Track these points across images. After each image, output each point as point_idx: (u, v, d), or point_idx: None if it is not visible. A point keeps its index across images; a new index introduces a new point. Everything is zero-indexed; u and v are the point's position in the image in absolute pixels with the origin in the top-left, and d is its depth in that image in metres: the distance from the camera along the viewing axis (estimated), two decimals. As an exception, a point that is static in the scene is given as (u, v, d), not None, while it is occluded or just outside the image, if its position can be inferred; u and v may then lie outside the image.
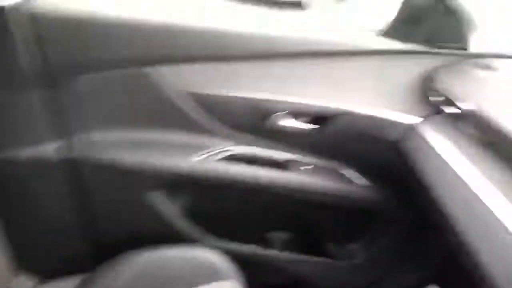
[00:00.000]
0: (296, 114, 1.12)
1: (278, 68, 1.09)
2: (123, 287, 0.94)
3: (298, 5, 1.28)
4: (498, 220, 0.76)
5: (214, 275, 0.98)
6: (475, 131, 0.95)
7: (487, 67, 1.07)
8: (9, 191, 1.07)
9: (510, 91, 0.98)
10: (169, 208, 1.14)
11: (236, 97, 1.09)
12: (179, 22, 1.02)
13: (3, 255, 1.05)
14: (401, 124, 1.11)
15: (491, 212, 0.78)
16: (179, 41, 1.03)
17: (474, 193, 0.84)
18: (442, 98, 1.06)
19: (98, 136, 1.07)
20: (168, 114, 1.09)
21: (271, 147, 1.17)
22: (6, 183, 1.06)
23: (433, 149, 1.02)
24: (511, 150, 0.84)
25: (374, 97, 1.12)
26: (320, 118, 1.13)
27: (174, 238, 1.08)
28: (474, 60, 1.12)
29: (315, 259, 1.30)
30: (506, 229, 0.73)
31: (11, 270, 1.08)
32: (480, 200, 0.82)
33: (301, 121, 1.13)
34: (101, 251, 1.05)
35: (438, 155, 1.00)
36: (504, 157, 0.86)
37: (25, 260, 1.12)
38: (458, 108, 0.99)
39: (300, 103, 1.10)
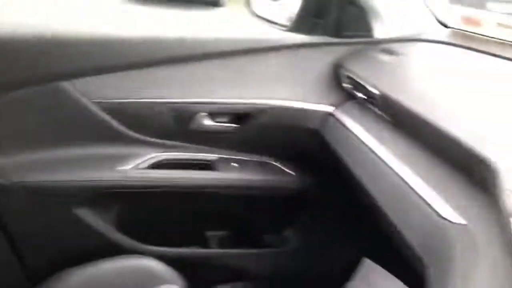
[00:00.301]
0: (218, 114, 1.14)
1: (195, 70, 1.10)
2: None
3: (214, 3, 1.30)
4: (407, 186, 0.84)
5: (154, 281, 0.98)
6: (383, 112, 1.02)
7: (391, 52, 1.15)
8: None
9: (412, 73, 1.06)
10: (101, 222, 1.11)
11: (156, 103, 1.08)
12: (89, 34, 1.00)
13: None
14: (318, 112, 1.17)
15: (401, 181, 0.86)
16: (91, 53, 1.00)
17: (385, 167, 0.91)
18: (353, 85, 1.13)
19: (17, 158, 1.02)
20: (88, 127, 1.06)
21: (198, 150, 1.19)
22: None
23: (348, 132, 1.09)
24: (414, 127, 0.91)
25: (291, 89, 1.16)
26: (241, 115, 1.15)
27: (111, 251, 1.06)
28: (378, 46, 1.19)
29: (254, 250, 1.34)
30: (413, 193, 0.81)
31: None
32: (391, 172, 0.89)
33: (223, 120, 1.15)
34: (38, 274, 1.02)
35: (353, 137, 1.06)
36: (408, 134, 0.94)
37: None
38: (367, 92, 1.05)
39: (220, 103, 1.12)
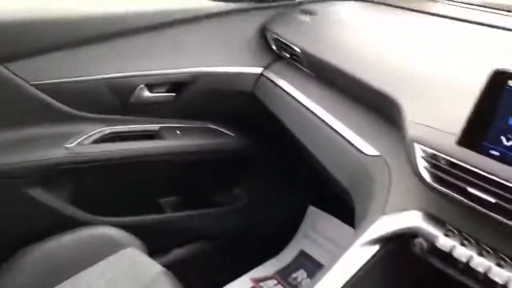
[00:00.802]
0: (155, 85, 1.19)
1: (129, 44, 1.14)
2: (26, 282, 0.96)
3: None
4: (332, 130, 0.95)
5: (114, 247, 1.03)
6: (307, 68, 1.12)
7: (311, 12, 1.24)
8: None
9: (329, 30, 1.16)
10: (55, 199, 1.15)
11: (93, 80, 1.12)
12: (20, 17, 1.01)
13: None
14: (250, 74, 1.25)
15: (326, 127, 0.97)
16: (24, 35, 1.02)
17: (312, 117, 1.02)
18: (279, 46, 1.22)
19: None
20: (30, 109, 1.08)
21: (140, 122, 1.24)
22: None
23: (278, 90, 1.19)
24: (333, 78, 1.02)
25: (222, 55, 1.24)
26: (177, 84, 1.21)
27: (68, 226, 1.10)
28: (299, 7, 1.28)
29: (205, 211, 1.42)
30: (337, 135, 0.93)
31: None
32: (318, 121, 1.00)
33: (161, 91, 1.21)
34: None
35: (283, 94, 1.16)
36: (329, 84, 1.05)
37: None
38: (292, 51, 1.15)
39: (156, 74, 1.17)
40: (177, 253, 1.44)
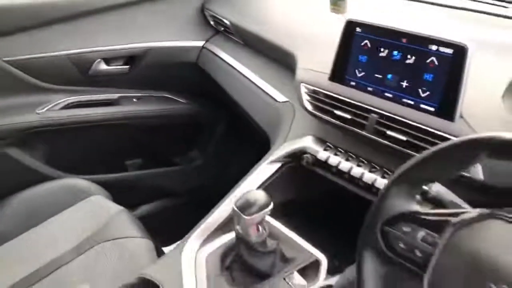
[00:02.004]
0: (111, 59, 1.37)
1: (88, 24, 1.31)
2: (7, 227, 1.12)
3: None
4: (254, 85, 1.16)
5: (83, 195, 1.20)
6: (237, 37, 1.32)
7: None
8: None
9: (254, 4, 1.35)
10: (31, 158, 1.34)
11: (57, 56, 1.29)
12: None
13: None
14: (193, 47, 1.45)
15: (250, 84, 1.18)
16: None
17: (242, 78, 1.22)
18: (216, 21, 1.41)
19: None
20: (5, 82, 1.25)
21: (100, 92, 1.42)
22: None
23: (217, 58, 1.38)
24: (254, 42, 1.23)
25: (167, 32, 1.42)
26: (130, 57, 1.40)
27: (43, 181, 1.28)
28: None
29: (167, 169, 1.62)
30: (257, 88, 1.14)
31: None
32: (246, 80, 1.21)
33: (117, 64, 1.39)
34: None
35: (221, 61, 1.36)
36: (252, 48, 1.25)
37: None
38: (225, 25, 1.34)
39: (111, 50, 1.35)
40: (144, 209, 1.62)
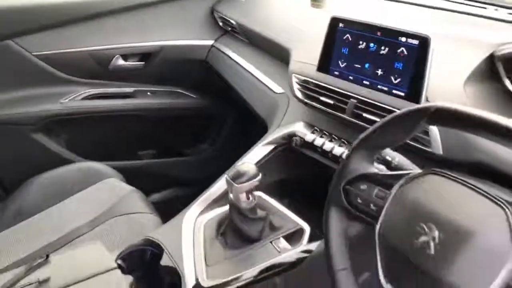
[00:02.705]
0: (128, 55, 1.50)
1: (108, 23, 1.44)
2: (30, 205, 1.23)
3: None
4: (255, 79, 1.27)
5: (100, 177, 1.31)
6: (242, 37, 1.43)
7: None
8: None
9: (258, 6, 1.46)
10: (54, 143, 1.47)
11: (81, 51, 1.43)
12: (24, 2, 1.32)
13: None
14: (203, 46, 1.56)
15: (253, 78, 1.28)
16: (27, 16, 1.33)
17: (246, 73, 1.33)
18: (224, 22, 1.52)
19: None
20: (33, 74, 1.39)
21: (118, 85, 1.55)
22: None
23: (225, 56, 1.49)
24: (257, 41, 1.33)
25: (180, 32, 1.54)
26: (146, 54, 1.52)
27: (63, 165, 1.40)
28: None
29: (178, 159, 1.73)
30: (258, 81, 1.24)
31: None
32: (249, 75, 1.31)
33: (134, 60, 1.52)
34: (10, 185, 1.36)
35: (228, 59, 1.47)
36: (256, 46, 1.36)
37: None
38: (232, 25, 1.45)
39: (129, 47, 1.48)
40: (154, 196, 1.72)
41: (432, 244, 0.52)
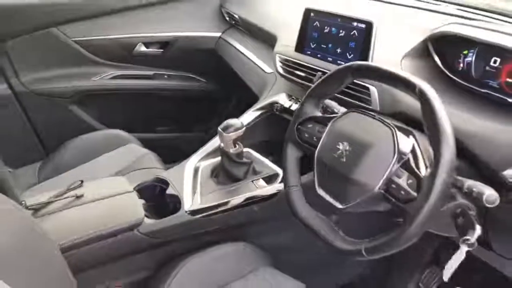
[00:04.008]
0: (150, 43, 1.75)
1: (133, 16, 1.69)
2: (65, 164, 1.44)
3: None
4: (254, 65, 1.48)
5: (121, 142, 1.54)
6: (244, 29, 1.66)
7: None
8: None
9: (255, 3, 1.68)
10: (87, 115, 1.74)
11: (110, 38, 1.68)
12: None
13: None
14: (212, 37, 1.80)
15: (252, 63, 1.50)
16: (68, 8, 1.59)
17: (248, 61, 1.54)
18: (230, 17, 1.75)
19: (34, 75, 1.63)
20: (71, 56, 1.65)
21: (140, 68, 1.79)
22: None
23: (230, 46, 1.72)
24: (255, 32, 1.55)
25: (193, 24, 1.78)
26: (164, 43, 1.77)
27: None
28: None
29: (188, 135, 1.97)
30: (254, 65, 1.45)
31: None
32: (249, 61, 1.53)
33: (154, 47, 1.76)
34: (49, 145, 1.62)
35: (233, 49, 1.69)
36: (255, 36, 1.58)
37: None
38: (236, 19, 1.68)
39: (150, 36, 1.73)
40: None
41: (344, 154, 0.74)
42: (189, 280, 0.97)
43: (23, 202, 0.91)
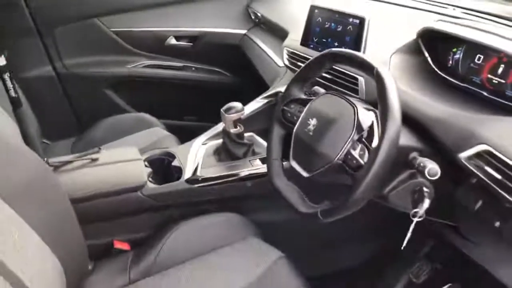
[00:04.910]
0: (180, 37, 1.88)
1: (166, 12, 1.84)
2: (97, 140, 1.62)
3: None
4: (268, 57, 1.57)
5: (147, 125, 1.69)
6: (265, 27, 1.76)
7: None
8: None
9: (283, 4, 1.77)
10: (119, 99, 1.90)
11: (145, 31, 1.83)
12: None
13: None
14: (238, 34, 1.90)
15: (267, 56, 1.59)
16: (110, 1, 1.76)
17: (266, 56, 1.64)
18: (256, 16, 1.85)
19: (76, 60, 1.81)
20: (110, 45, 1.82)
21: (170, 59, 1.93)
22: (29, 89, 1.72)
23: (254, 43, 1.82)
24: (276, 31, 1.64)
25: (221, 21, 1.90)
26: (193, 37, 1.89)
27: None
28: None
29: (210, 124, 2.07)
30: (270, 59, 1.54)
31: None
32: (268, 57, 1.62)
33: (184, 41, 1.90)
34: (84, 120, 1.79)
35: (256, 46, 1.79)
36: (275, 35, 1.67)
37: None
38: (260, 19, 1.78)
39: (181, 30, 1.86)
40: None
41: (312, 128, 0.82)
42: (181, 242, 1.06)
43: (45, 159, 1.05)
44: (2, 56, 0.97)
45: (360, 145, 0.75)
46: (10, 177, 0.72)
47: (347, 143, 0.76)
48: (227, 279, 0.96)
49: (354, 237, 1.40)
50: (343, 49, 0.84)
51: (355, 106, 0.79)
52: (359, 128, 0.76)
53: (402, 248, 0.82)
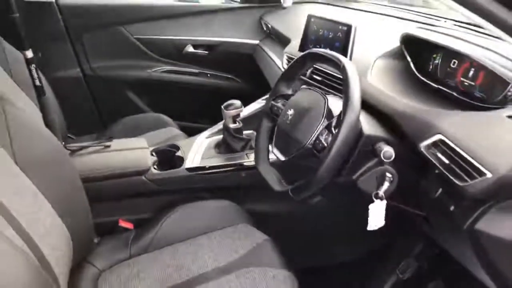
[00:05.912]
0: (198, 45, 2.01)
1: (185, 22, 1.98)
2: (118, 134, 1.77)
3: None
4: (273, 63, 1.67)
5: (162, 124, 1.81)
6: (277, 38, 1.86)
7: (284, 8, 1.97)
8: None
9: (290, 18, 1.87)
10: (140, 100, 2.04)
11: (165, 39, 1.97)
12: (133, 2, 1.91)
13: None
14: (251, 44, 2.02)
15: (272, 62, 1.69)
16: (132, 11, 1.91)
17: (273, 63, 1.74)
18: (268, 28, 1.96)
19: (101, 63, 1.96)
20: (132, 51, 1.97)
21: (187, 66, 2.06)
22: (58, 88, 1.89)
23: (264, 53, 1.92)
24: (281, 39, 1.74)
25: (235, 32, 2.02)
26: (209, 46, 2.02)
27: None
28: (281, 6, 2.01)
29: None
30: (273, 64, 1.64)
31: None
32: (274, 64, 1.72)
33: (201, 49, 2.02)
34: (105, 120, 1.93)
35: (266, 55, 1.90)
36: (282, 43, 1.77)
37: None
38: (271, 31, 1.88)
39: (198, 39, 1.99)
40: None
41: (290, 118, 0.90)
42: (178, 224, 1.16)
43: (63, 143, 1.18)
44: (30, 50, 1.10)
45: (327, 131, 0.83)
46: (30, 153, 0.83)
47: (317, 129, 0.85)
48: (215, 256, 1.05)
49: (345, 232, 1.45)
50: (320, 49, 0.92)
51: (325, 97, 0.87)
52: (329, 116, 0.85)
53: (368, 228, 0.88)
